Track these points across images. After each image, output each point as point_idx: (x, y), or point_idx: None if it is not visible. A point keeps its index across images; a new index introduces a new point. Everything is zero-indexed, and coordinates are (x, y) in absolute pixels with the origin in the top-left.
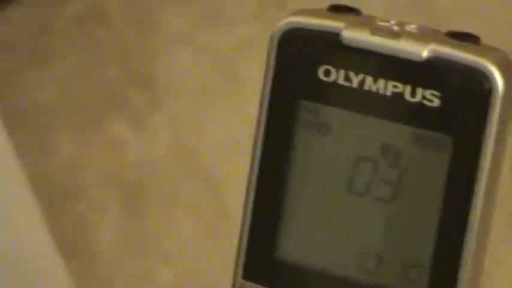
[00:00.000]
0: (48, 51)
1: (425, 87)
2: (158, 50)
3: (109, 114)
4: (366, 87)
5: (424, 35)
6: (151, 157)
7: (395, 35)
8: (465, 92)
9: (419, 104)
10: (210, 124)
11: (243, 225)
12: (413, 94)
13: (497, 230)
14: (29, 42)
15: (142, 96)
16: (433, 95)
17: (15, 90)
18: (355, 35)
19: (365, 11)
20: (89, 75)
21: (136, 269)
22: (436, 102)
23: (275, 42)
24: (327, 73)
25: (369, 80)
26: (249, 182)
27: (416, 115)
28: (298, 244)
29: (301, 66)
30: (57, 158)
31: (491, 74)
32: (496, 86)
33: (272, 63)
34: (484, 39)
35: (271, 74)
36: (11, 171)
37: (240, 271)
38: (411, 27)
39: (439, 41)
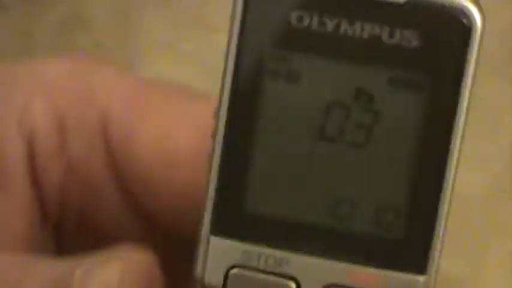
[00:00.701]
0: (31, 56)
1: (404, 27)
2: (140, 57)
3: None
4: (341, 31)
5: None
6: None
7: None
8: (444, 31)
9: (397, 46)
10: None
11: (209, 179)
12: (391, 35)
13: None
14: (11, 47)
15: None
16: (412, 35)
17: None
18: None
19: None
20: None
21: None
22: (415, 43)
23: None
24: (300, 18)
25: (345, 23)
26: (216, 134)
27: (394, 57)
28: (268, 195)
29: (271, 12)
30: None
31: (470, 11)
32: (476, 24)
33: (239, 9)
34: None
35: (238, 22)
36: None
37: (207, 226)
38: None
39: None
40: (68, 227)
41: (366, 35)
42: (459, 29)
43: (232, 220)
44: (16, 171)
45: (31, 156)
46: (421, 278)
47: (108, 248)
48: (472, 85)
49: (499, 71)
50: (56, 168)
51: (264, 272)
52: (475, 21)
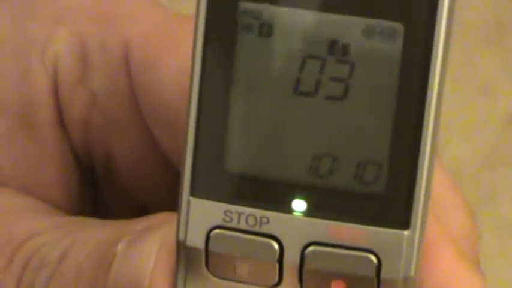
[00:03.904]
0: None
1: None
2: None
3: None
4: None
5: None
6: None
7: None
8: None
9: None
10: None
11: (186, 140)
12: None
13: None
14: None
15: None
16: None
17: None
18: None
19: None
20: None
21: None
22: None
23: None
24: None
25: None
26: (190, 92)
27: (367, 4)
28: (247, 153)
29: None
30: None
31: None
32: None
33: None
34: None
35: None
36: None
37: (187, 188)
38: None
39: None
40: (98, 173)
41: None
42: None
43: (212, 180)
44: (42, 109)
45: (55, 88)
46: (405, 233)
47: (145, 217)
48: (449, 33)
49: (489, 39)
50: (79, 100)
51: (245, 231)
52: None
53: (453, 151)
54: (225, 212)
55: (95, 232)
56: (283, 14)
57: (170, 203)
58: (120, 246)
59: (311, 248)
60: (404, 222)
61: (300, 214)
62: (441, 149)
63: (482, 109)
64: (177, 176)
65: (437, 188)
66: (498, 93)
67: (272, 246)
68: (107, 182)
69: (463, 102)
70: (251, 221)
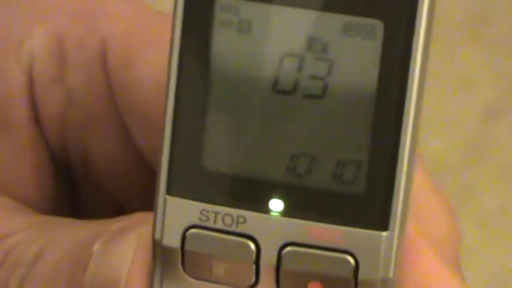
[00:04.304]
0: None
1: None
2: None
3: None
4: None
5: None
6: None
7: None
8: None
9: None
10: None
11: (163, 138)
12: None
13: None
14: None
15: None
16: None
17: None
18: None
19: None
20: None
21: None
22: None
23: None
24: None
25: None
26: (168, 90)
27: (346, 1)
28: (224, 152)
29: None
30: None
31: None
32: None
33: None
34: None
35: None
36: None
37: (164, 187)
38: None
39: None
40: (74, 171)
41: None
42: None
43: (188, 179)
44: (17, 106)
45: (31, 85)
46: (383, 234)
47: (122, 216)
48: (429, 30)
49: (470, 34)
50: (55, 97)
51: (221, 231)
52: None
53: (434, 145)
54: (201, 211)
55: (71, 232)
56: (262, 11)
57: (148, 202)
58: (96, 247)
59: (288, 248)
60: (383, 223)
61: (277, 214)
62: (422, 144)
63: (462, 103)
64: (154, 174)
65: (418, 189)
66: (479, 87)
67: (249, 247)
68: (84, 180)
69: (444, 96)
70: (228, 220)
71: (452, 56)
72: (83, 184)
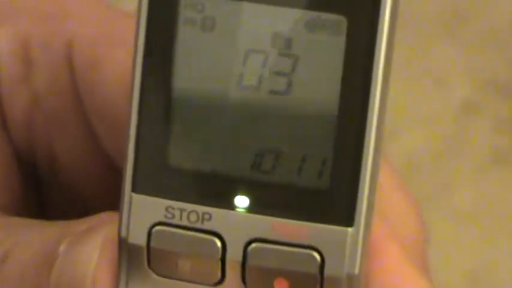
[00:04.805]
0: None
1: None
2: None
3: None
4: None
5: None
6: None
7: None
8: None
9: None
10: None
11: (128, 135)
12: None
13: None
14: None
15: None
16: None
17: None
18: None
19: None
20: None
21: None
22: None
23: None
24: None
25: None
26: (132, 87)
27: None
28: (189, 149)
29: None
30: None
31: None
32: None
33: None
34: None
35: None
36: None
37: (129, 184)
38: None
39: None
40: (42, 173)
41: None
42: None
43: (154, 176)
44: None
45: None
46: (349, 230)
47: (89, 217)
48: (392, 26)
49: (446, 31)
50: (21, 98)
51: (187, 228)
52: None
53: (408, 142)
54: (166, 208)
55: (38, 233)
56: (225, 7)
57: (114, 202)
58: (62, 247)
59: (254, 244)
60: (348, 219)
61: (242, 210)
62: (397, 140)
63: (437, 100)
64: (121, 174)
65: (386, 189)
66: (454, 84)
67: (214, 243)
68: (51, 181)
69: (419, 93)
70: (193, 217)
71: (427, 52)
72: (50, 185)
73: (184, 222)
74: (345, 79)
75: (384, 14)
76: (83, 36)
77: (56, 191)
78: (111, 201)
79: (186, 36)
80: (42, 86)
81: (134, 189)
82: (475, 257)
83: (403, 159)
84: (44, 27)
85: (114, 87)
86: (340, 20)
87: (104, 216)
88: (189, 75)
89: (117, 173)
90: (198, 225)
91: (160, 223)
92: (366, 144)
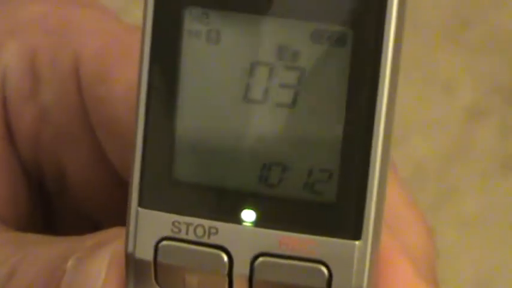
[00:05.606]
0: None
1: None
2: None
3: None
4: None
5: None
6: None
7: None
8: None
9: None
10: None
11: (134, 150)
12: None
13: None
14: None
15: None
16: None
17: None
18: None
19: None
20: None
21: None
22: None
23: None
24: None
25: None
26: (138, 102)
27: (315, 9)
28: (195, 163)
29: None
30: None
31: None
32: None
33: None
34: None
35: None
36: None
37: (135, 199)
38: None
39: None
40: (49, 188)
41: None
42: None
43: (160, 191)
44: None
45: (3, 102)
46: (356, 243)
47: (96, 232)
48: (398, 38)
49: (451, 38)
50: (29, 113)
51: (194, 242)
52: None
53: (415, 148)
54: (173, 223)
55: (45, 248)
56: (231, 20)
57: (122, 216)
58: (70, 263)
59: (261, 259)
60: (356, 233)
61: (249, 224)
62: (403, 146)
63: (443, 106)
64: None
65: (395, 203)
66: (459, 90)
67: (221, 258)
68: (58, 196)
69: (425, 99)
70: (200, 231)
71: (432, 59)
72: (57, 200)
73: (191, 237)
74: (351, 91)
75: (390, 25)
76: (89, 51)
77: (63, 205)
78: (119, 216)
79: (191, 49)
80: (50, 101)
81: (141, 204)
82: (482, 264)
83: (410, 166)
84: (51, 41)
85: (120, 101)
86: (345, 32)
87: (112, 231)
88: (194, 88)
89: (124, 188)
90: (205, 240)
91: (166, 238)
92: (372, 156)
